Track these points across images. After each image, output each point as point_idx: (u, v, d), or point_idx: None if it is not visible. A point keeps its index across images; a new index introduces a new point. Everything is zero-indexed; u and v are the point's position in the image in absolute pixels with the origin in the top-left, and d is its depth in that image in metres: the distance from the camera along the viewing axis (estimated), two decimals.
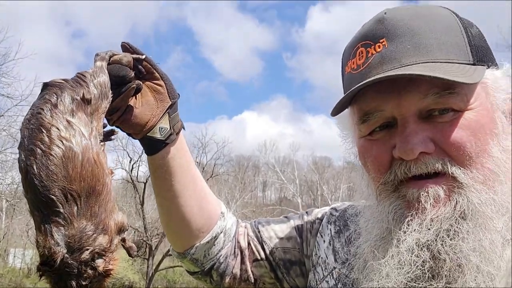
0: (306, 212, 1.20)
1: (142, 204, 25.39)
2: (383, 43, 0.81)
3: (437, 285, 0.74)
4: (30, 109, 0.79)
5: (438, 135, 0.77)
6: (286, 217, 1.23)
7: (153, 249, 26.09)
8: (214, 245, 1.14)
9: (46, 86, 0.82)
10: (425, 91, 0.76)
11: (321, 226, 1.12)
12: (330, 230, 1.09)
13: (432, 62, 0.77)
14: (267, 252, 1.16)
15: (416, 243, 0.75)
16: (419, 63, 0.77)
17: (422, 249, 0.75)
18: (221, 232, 1.15)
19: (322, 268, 1.05)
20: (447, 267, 0.74)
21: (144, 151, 1.09)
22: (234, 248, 1.17)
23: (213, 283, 1.18)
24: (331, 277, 1.01)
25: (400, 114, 0.79)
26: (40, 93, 0.82)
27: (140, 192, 26.39)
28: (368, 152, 0.85)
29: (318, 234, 1.11)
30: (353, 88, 0.79)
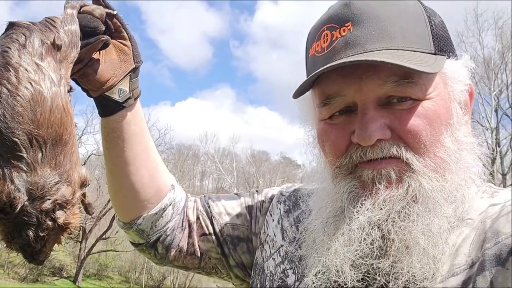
0: (257, 191, 1.20)
1: None
2: (348, 27, 0.80)
3: (384, 264, 0.76)
4: None
5: (396, 122, 0.78)
6: (236, 194, 1.23)
7: (87, 232, 24.82)
8: (162, 217, 1.12)
9: (12, 25, 0.75)
10: (384, 78, 0.77)
11: (271, 205, 1.13)
12: (280, 210, 1.10)
13: (395, 49, 0.78)
14: (216, 227, 1.15)
15: (368, 221, 0.77)
16: (382, 50, 0.77)
17: (373, 228, 0.77)
18: (170, 204, 1.13)
19: (269, 246, 1.06)
20: (395, 247, 0.76)
21: (98, 112, 1.04)
22: (182, 221, 1.16)
23: (157, 255, 1.15)
24: (278, 255, 1.02)
25: (361, 99, 0.79)
26: (5, 32, 0.75)
27: None
28: (327, 135, 0.86)
29: (268, 213, 1.11)
30: (316, 71, 0.79)
